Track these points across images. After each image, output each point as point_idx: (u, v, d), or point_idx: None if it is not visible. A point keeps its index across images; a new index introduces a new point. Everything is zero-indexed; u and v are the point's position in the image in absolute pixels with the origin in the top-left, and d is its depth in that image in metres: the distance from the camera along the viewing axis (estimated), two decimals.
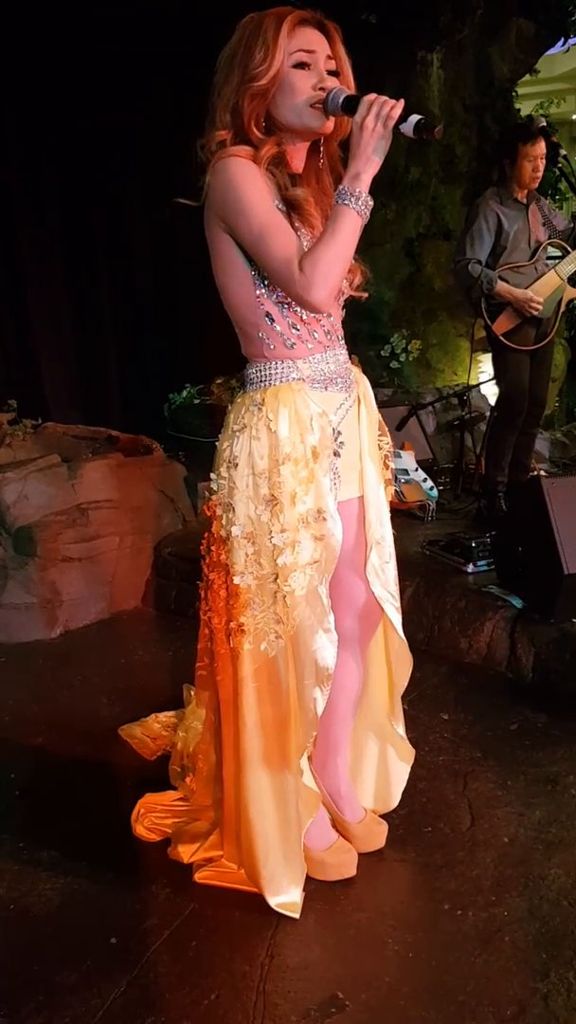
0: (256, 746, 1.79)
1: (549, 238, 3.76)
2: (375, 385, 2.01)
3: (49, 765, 2.46)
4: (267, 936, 1.78)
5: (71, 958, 1.74)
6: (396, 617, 1.92)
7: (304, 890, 1.84)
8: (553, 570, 2.81)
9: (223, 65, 1.66)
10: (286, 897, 1.83)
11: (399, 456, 4.02)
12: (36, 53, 4.79)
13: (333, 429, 1.78)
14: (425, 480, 4.07)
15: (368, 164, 1.55)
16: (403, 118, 1.52)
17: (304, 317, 1.73)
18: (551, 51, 6.62)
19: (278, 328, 1.72)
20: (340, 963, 1.72)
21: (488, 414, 4.47)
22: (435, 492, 4.08)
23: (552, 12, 5.99)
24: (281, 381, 1.74)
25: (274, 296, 1.70)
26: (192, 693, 2.33)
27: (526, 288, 3.65)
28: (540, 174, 3.62)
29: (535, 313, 3.64)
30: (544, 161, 3.58)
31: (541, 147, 3.54)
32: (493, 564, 3.24)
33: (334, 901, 1.88)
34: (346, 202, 1.56)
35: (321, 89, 1.62)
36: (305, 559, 1.73)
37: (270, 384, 1.74)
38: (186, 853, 1.98)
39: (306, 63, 1.62)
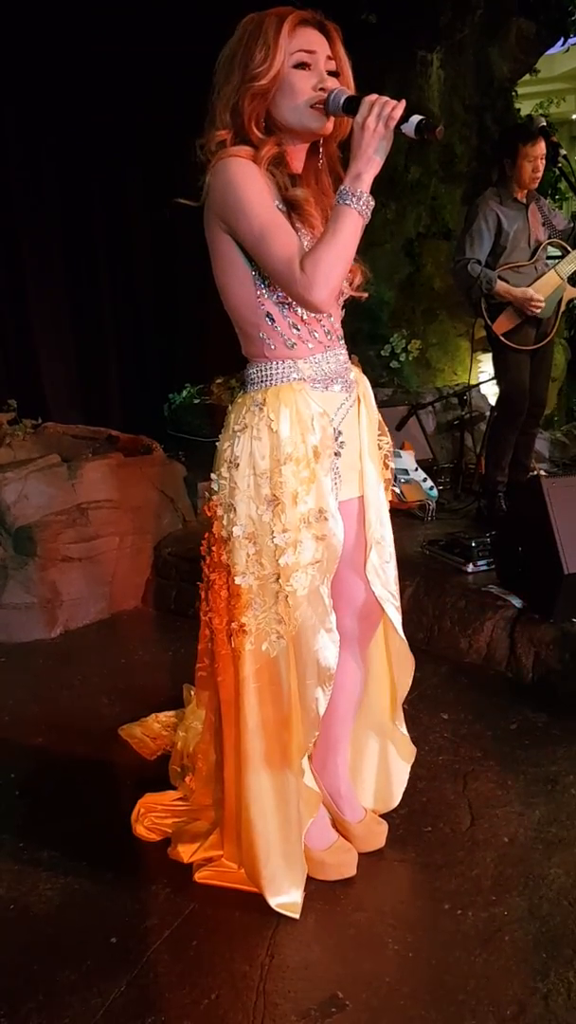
0: (257, 746, 1.79)
1: (549, 238, 3.76)
2: (375, 385, 2.01)
3: (49, 765, 2.46)
4: (267, 936, 1.78)
5: (71, 958, 1.74)
6: (396, 617, 1.92)
7: (304, 890, 1.84)
8: (553, 570, 2.81)
9: (223, 65, 1.66)
10: (286, 897, 1.83)
11: (399, 456, 4.02)
12: (36, 53, 4.79)
13: (334, 429, 1.79)
14: (425, 480, 4.07)
15: (369, 164, 1.55)
16: (404, 118, 1.52)
17: (304, 317, 1.73)
18: (551, 51, 6.61)
19: (278, 328, 1.72)
20: (340, 963, 1.72)
21: (488, 414, 4.48)
22: (435, 492, 4.07)
23: (552, 12, 5.99)
24: (282, 381, 1.74)
25: (274, 296, 1.70)
26: (192, 693, 2.33)
27: (526, 288, 3.65)
28: (540, 174, 3.62)
29: (536, 312, 3.64)
30: (544, 161, 3.58)
31: (541, 147, 3.55)
32: (493, 564, 3.24)
33: (334, 901, 1.88)
34: (347, 202, 1.56)
35: (322, 90, 1.62)
36: (307, 559, 1.73)
37: (271, 384, 1.74)
38: (186, 853, 1.98)
39: (306, 63, 1.63)
